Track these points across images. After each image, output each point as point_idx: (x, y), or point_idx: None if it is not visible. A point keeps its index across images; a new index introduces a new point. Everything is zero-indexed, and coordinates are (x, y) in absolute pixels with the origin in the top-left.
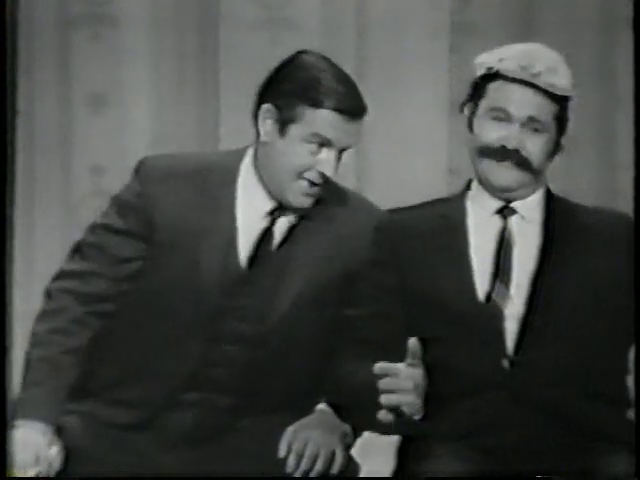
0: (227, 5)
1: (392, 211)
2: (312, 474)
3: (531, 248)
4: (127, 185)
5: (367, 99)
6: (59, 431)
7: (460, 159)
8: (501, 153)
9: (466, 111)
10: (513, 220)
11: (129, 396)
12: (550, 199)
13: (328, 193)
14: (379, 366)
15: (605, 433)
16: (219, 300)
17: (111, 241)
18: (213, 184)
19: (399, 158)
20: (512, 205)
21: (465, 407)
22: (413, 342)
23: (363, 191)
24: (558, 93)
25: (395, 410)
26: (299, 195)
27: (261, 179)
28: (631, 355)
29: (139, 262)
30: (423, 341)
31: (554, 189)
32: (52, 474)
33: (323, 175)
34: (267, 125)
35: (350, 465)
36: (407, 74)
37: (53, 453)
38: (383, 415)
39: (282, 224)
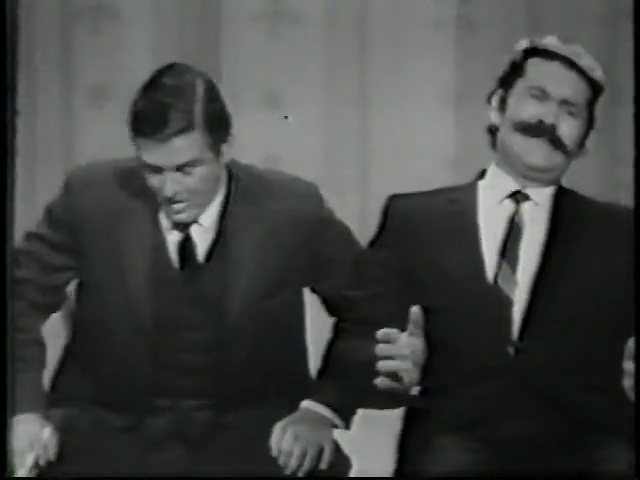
0: None
1: (400, 195)
2: (301, 471)
3: (539, 235)
4: (57, 196)
5: (371, 93)
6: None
7: (465, 152)
8: (538, 128)
9: (495, 99)
10: (525, 206)
11: (112, 401)
12: (561, 190)
13: (249, 187)
14: (381, 331)
15: (605, 425)
16: (156, 311)
17: (42, 250)
18: (136, 189)
19: (404, 152)
20: (526, 191)
21: (469, 394)
22: (415, 311)
23: (368, 186)
24: (595, 77)
25: (393, 376)
26: (169, 215)
27: None
28: (628, 351)
29: (70, 273)
30: (425, 310)
31: None
32: (50, 456)
33: (166, 197)
34: None
35: (340, 459)
36: (411, 68)
37: (46, 436)
38: (380, 381)
39: (198, 233)
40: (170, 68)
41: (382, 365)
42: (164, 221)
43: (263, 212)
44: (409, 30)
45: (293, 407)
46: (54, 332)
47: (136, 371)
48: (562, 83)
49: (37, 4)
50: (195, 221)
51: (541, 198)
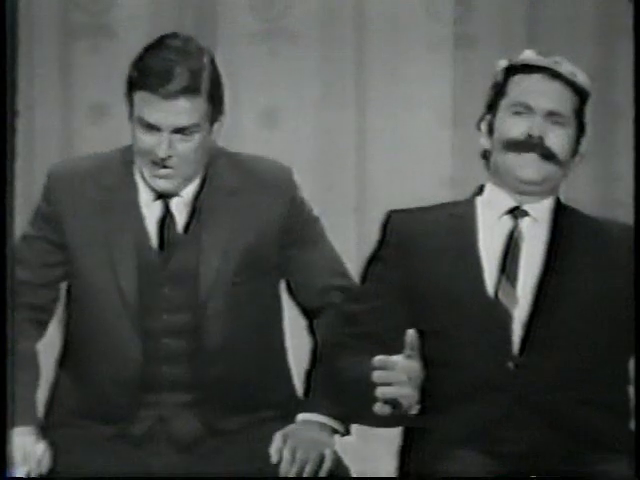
0: (225, 18)
1: (399, 210)
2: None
3: (539, 251)
4: (41, 194)
5: (368, 111)
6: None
7: (462, 171)
8: (527, 144)
9: (484, 124)
10: (524, 222)
11: (101, 409)
12: (560, 207)
13: (225, 166)
14: (378, 359)
15: (605, 441)
16: (141, 293)
17: (34, 250)
18: (114, 179)
19: (401, 170)
20: (524, 207)
21: (468, 408)
22: (411, 333)
23: (365, 202)
24: (579, 82)
25: (391, 403)
26: (153, 179)
27: None
28: (631, 365)
29: (61, 268)
30: (421, 333)
31: None
32: (43, 471)
33: (159, 157)
34: None
35: (340, 468)
36: (408, 86)
37: (39, 451)
38: (379, 408)
39: (178, 207)
40: (174, 35)
41: (380, 392)
42: (144, 195)
43: (238, 191)
44: (406, 48)
45: (274, 402)
46: (49, 344)
47: (123, 361)
48: (545, 95)
49: (36, 22)
50: (177, 194)
51: (540, 214)
